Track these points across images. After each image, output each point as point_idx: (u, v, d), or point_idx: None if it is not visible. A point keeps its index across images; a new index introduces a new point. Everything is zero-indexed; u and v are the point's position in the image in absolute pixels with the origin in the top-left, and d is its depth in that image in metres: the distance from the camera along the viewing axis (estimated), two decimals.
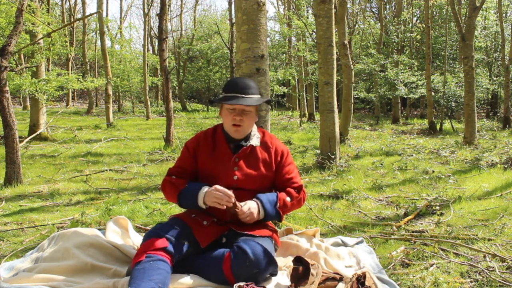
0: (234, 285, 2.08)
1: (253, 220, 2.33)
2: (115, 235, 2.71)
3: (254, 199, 2.37)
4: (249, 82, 2.43)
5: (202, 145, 2.47)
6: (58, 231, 3.10)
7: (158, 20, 9.02)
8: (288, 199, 2.42)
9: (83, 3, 20.42)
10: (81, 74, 15.39)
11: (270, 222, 2.59)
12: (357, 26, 20.21)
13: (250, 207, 2.32)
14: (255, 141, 2.47)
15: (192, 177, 2.48)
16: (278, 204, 2.38)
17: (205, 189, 2.30)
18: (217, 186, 2.26)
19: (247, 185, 2.40)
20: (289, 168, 2.51)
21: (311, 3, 16.00)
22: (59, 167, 6.50)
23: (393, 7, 22.31)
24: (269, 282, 2.28)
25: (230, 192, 2.23)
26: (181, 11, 29.01)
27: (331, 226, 3.50)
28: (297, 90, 18.53)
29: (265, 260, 2.18)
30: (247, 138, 2.47)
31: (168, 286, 2.06)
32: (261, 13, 3.36)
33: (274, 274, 2.31)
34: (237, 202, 2.26)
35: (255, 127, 2.54)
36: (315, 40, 8.77)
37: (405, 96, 15.93)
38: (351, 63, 9.17)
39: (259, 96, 2.45)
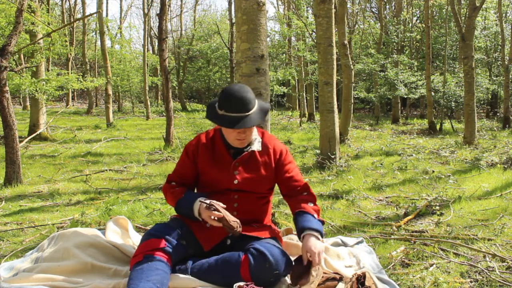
0: (234, 285, 2.08)
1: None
2: (115, 235, 2.71)
3: (306, 232, 2.25)
4: (247, 94, 2.24)
5: (201, 150, 2.42)
6: (58, 231, 3.09)
7: (158, 20, 9.02)
8: (311, 204, 2.40)
9: (83, 3, 20.45)
10: (81, 74, 15.39)
11: (272, 223, 2.59)
12: (357, 26, 20.21)
13: (318, 251, 2.19)
14: (256, 145, 2.41)
15: (192, 181, 2.47)
16: (316, 215, 2.36)
17: (198, 202, 2.24)
18: (211, 203, 2.20)
19: (248, 187, 2.37)
20: (289, 167, 2.47)
21: (311, 3, 15.98)
22: (59, 167, 6.50)
23: (393, 7, 22.31)
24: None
25: (222, 211, 2.19)
26: (181, 11, 29.04)
27: (331, 226, 3.50)
28: (297, 90, 18.53)
29: (284, 261, 2.18)
30: (249, 143, 2.41)
31: (166, 286, 2.05)
32: (261, 13, 3.36)
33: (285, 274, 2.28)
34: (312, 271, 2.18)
35: (255, 130, 2.46)
36: (315, 40, 8.76)
37: (405, 96, 15.93)
38: (351, 63, 9.16)
39: (256, 102, 2.32)
